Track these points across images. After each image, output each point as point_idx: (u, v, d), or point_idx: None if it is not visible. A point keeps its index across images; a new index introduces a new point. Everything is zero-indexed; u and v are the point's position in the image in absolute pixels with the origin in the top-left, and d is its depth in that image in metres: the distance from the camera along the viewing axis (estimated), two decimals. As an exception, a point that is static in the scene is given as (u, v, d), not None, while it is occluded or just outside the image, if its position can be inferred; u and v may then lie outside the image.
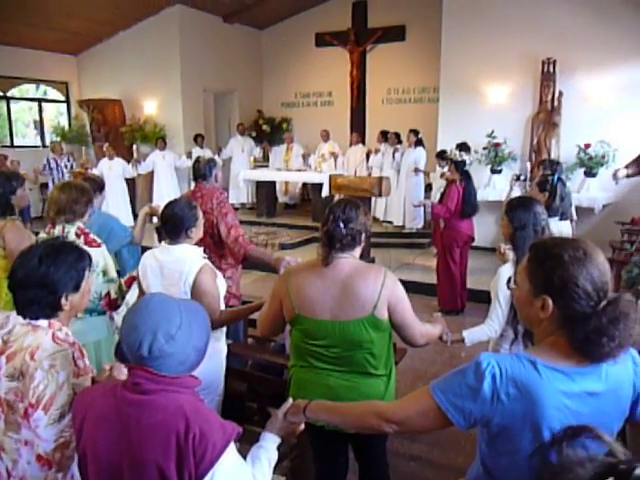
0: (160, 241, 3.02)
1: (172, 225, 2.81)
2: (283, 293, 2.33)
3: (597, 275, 1.41)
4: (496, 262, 3.16)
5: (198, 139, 11.01)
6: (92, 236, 3.01)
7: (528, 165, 6.94)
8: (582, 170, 7.91)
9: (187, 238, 2.85)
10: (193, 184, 4.08)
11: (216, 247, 3.80)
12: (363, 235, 2.32)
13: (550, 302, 1.44)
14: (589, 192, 7.78)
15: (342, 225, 2.24)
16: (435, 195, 8.04)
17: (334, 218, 2.25)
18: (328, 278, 2.25)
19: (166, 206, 2.89)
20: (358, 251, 2.34)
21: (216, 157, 10.38)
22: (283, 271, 3.16)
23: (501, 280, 2.76)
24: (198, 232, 2.92)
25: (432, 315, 2.76)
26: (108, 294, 2.95)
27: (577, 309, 1.41)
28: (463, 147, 7.06)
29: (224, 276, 3.64)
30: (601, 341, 1.37)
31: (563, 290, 1.41)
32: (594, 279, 1.40)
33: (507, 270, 2.76)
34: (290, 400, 1.84)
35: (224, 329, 2.99)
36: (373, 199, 8.94)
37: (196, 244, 2.93)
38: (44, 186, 10.59)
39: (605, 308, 1.39)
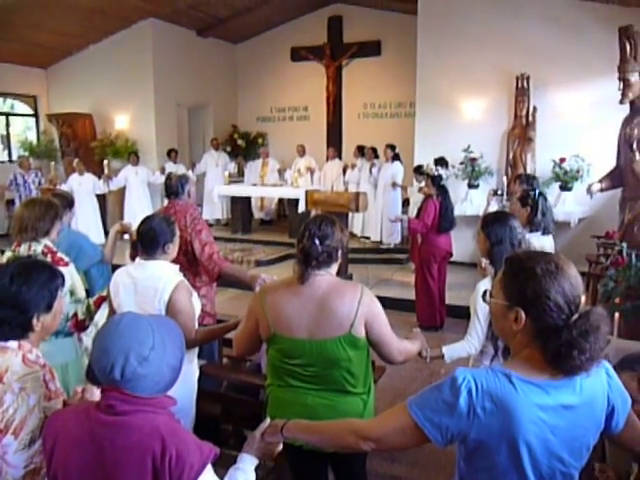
0: (133, 259, 3.01)
1: (149, 240, 2.81)
2: (259, 311, 2.34)
3: (569, 288, 1.45)
4: (475, 277, 3.20)
5: (171, 154, 10.99)
6: (59, 255, 2.98)
7: (505, 180, 7.07)
8: (557, 184, 8.09)
9: (163, 254, 2.85)
10: (166, 201, 4.07)
11: (190, 265, 3.79)
12: (339, 252, 2.34)
13: (523, 314, 1.47)
14: (565, 206, 7.96)
15: (318, 242, 2.26)
16: (412, 210, 8.13)
17: (310, 235, 2.27)
18: (304, 296, 2.27)
19: (143, 221, 2.89)
20: (335, 268, 2.36)
21: (189, 173, 10.39)
22: (259, 289, 3.13)
23: (480, 295, 2.79)
24: (174, 249, 2.92)
25: (411, 331, 2.79)
26: (75, 315, 2.92)
27: (549, 322, 1.44)
28: (440, 162, 7.18)
29: (198, 294, 3.62)
30: (572, 354, 1.41)
31: (535, 302, 1.45)
32: (565, 292, 1.44)
33: (486, 285, 2.78)
34: (268, 420, 1.84)
35: (196, 350, 2.97)
36: (350, 214, 8.98)
37: (171, 262, 2.93)
38: (10, 202, 10.42)
39: (576, 321, 1.42)
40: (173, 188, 3.91)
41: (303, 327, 2.25)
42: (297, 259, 2.30)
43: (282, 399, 2.35)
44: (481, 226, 2.95)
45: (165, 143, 11.20)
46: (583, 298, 1.48)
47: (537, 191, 4.21)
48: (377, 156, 9.73)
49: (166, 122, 11.34)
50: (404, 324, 6.00)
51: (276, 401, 2.38)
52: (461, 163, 8.49)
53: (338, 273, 2.42)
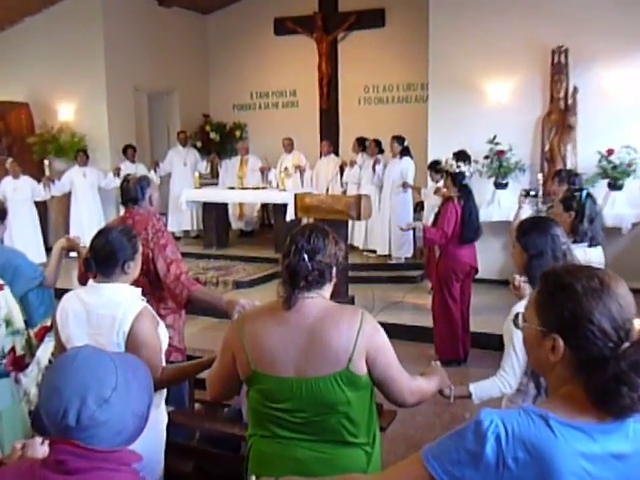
0: (82, 282, 3.01)
1: (105, 257, 2.83)
2: (236, 345, 2.34)
3: (617, 310, 1.45)
4: (508, 298, 3.22)
5: (128, 152, 11.03)
6: (-9, 277, 2.99)
7: (540, 177, 7.11)
8: (605, 182, 8.13)
9: (123, 275, 2.86)
10: (122, 209, 4.09)
11: (152, 288, 3.79)
12: (334, 269, 2.36)
13: (561, 342, 1.48)
14: (614, 209, 7.98)
15: (307, 258, 2.27)
16: (428, 216, 8.16)
17: (297, 249, 2.29)
18: (291, 325, 2.28)
19: (98, 233, 2.91)
20: (328, 289, 2.38)
21: (151, 174, 10.39)
22: (237, 316, 3.17)
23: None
24: (136, 268, 2.94)
25: (428, 366, 2.80)
26: (13, 350, 2.91)
27: (593, 351, 1.45)
28: (461, 156, 7.20)
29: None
30: (621, 391, 1.41)
31: (576, 328, 1.46)
32: (613, 315, 1.44)
33: (522, 308, 2.79)
34: (253, 478, 1.85)
35: (163, 393, 2.98)
36: (350, 223, 9.01)
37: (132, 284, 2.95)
38: None
39: (627, 351, 1.43)
40: (131, 193, 3.92)
41: (290, 363, 2.26)
42: (282, 279, 2.32)
43: (267, 453, 2.35)
44: (516, 236, 2.98)
45: (120, 138, 11.24)
46: (637, 323, 1.48)
47: (585, 192, 4.22)
48: (382, 150, 9.78)
49: (121, 112, 11.38)
50: (419, 358, 6.00)
51: (260, 455, 2.38)
52: (486, 157, 8.54)
53: (334, 296, 2.43)
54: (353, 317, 2.28)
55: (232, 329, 2.41)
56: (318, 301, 2.31)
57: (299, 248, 2.29)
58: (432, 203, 8.09)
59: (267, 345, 2.28)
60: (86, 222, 10.36)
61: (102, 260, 2.83)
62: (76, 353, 1.58)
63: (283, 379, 2.27)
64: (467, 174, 6.19)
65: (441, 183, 7.72)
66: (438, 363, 2.83)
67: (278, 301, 2.32)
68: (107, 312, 2.77)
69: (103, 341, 2.71)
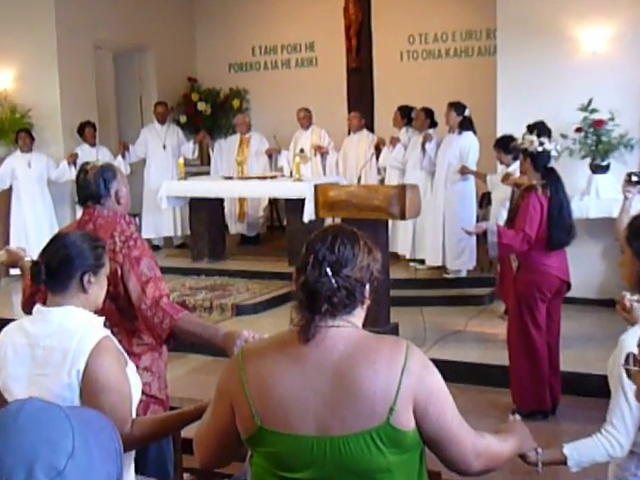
0: (27, 309, 3.03)
1: (57, 266, 2.86)
2: (235, 392, 2.34)
3: None
4: (614, 324, 3.18)
5: (87, 131, 11.11)
6: None
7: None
8: None
9: (80, 293, 2.89)
10: (79, 209, 4.10)
11: (122, 317, 3.80)
12: (367, 287, 2.35)
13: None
14: None
15: (330, 272, 2.27)
16: (498, 213, 8.14)
17: (316, 261, 2.28)
18: (310, 363, 2.28)
19: (52, 241, 2.95)
20: (360, 315, 2.38)
21: (118, 161, 10.49)
22: (237, 353, 3.17)
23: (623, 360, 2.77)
24: (100, 287, 2.98)
25: (505, 420, 2.79)
26: None
27: None
28: (541, 129, 7.15)
29: (137, 366, 3.61)
30: None
31: None
32: None
33: (636, 337, 2.77)
34: None
35: (132, 455, 2.99)
36: (391, 224, 8.98)
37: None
38: None
39: None
40: (90, 188, 3.92)
41: (309, 416, 2.25)
42: (297, 302, 2.31)
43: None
44: (626, 237, 2.96)
45: (76, 113, 11.30)
46: None
47: None
48: (434, 123, 9.77)
49: (78, 78, 11.46)
50: (489, 408, 5.96)
51: None
52: (578, 130, 8.47)
53: (370, 323, 2.43)
54: (395, 352, 2.28)
55: (229, 370, 2.41)
56: (347, 331, 2.31)
57: (319, 259, 2.28)
58: (503, 195, 8.03)
59: (278, 392, 2.28)
60: (32, 227, 10.44)
61: (54, 270, 2.86)
62: (19, 408, 1.57)
63: (300, 438, 2.26)
64: (553, 153, 6.15)
65: (513, 167, 7.69)
66: (517, 417, 2.81)
67: (292, 332, 2.32)
68: (56, 344, 2.78)
69: (49, 384, 2.73)
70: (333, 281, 2.27)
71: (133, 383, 2.92)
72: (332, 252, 2.30)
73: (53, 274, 2.87)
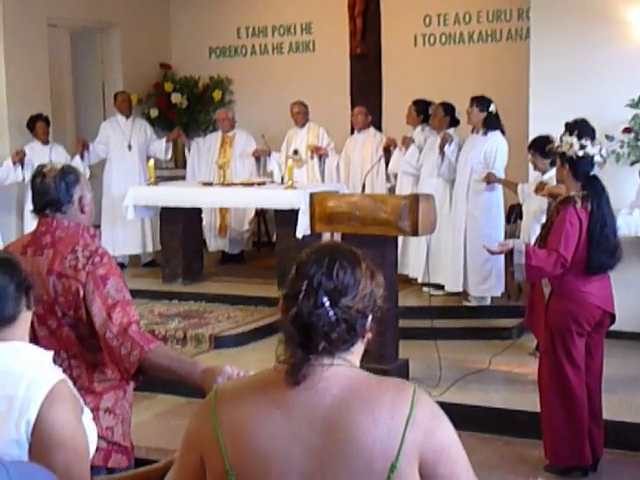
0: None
1: None
2: (206, 441, 2.33)
3: None
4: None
5: (38, 126, 11.09)
6: None
7: None
8: None
9: (15, 324, 2.88)
10: (33, 218, 4.11)
11: (83, 346, 3.81)
12: (369, 319, 2.34)
13: None
14: None
15: (327, 303, 2.26)
16: (530, 229, 8.14)
17: (311, 288, 2.26)
18: (297, 410, 2.26)
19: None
20: (358, 351, 2.37)
21: (76, 162, 10.46)
22: (209, 395, 3.19)
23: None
24: (27, 319, 2.97)
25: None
26: None
27: None
28: (582, 130, 7.14)
29: (96, 408, 3.60)
30: None
31: None
32: None
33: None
34: None
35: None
36: (401, 241, 8.98)
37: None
38: None
39: None
40: (50, 194, 3.93)
41: (294, 474, 2.24)
42: (285, 337, 2.29)
43: None
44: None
45: (26, 104, 11.29)
46: None
47: None
48: (455, 121, 9.80)
49: (28, 62, 11.45)
50: (516, 464, 5.94)
51: None
52: (626, 130, 8.49)
53: (374, 359, 2.42)
54: (398, 398, 2.25)
55: (200, 415, 2.41)
56: (342, 371, 2.29)
57: (314, 287, 2.26)
58: (535, 208, 8.06)
59: (257, 444, 2.27)
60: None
61: None
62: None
63: (282, 500, 2.27)
64: (597, 159, 6.15)
65: (550, 174, 7.68)
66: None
67: (276, 370, 2.31)
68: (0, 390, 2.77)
69: None
70: (331, 313, 2.24)
71: (90, 435, 2.91)
72: (330, 278, 2.26)
73: None
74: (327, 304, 2.24)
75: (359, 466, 2.20)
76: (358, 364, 2.35)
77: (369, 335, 2.35)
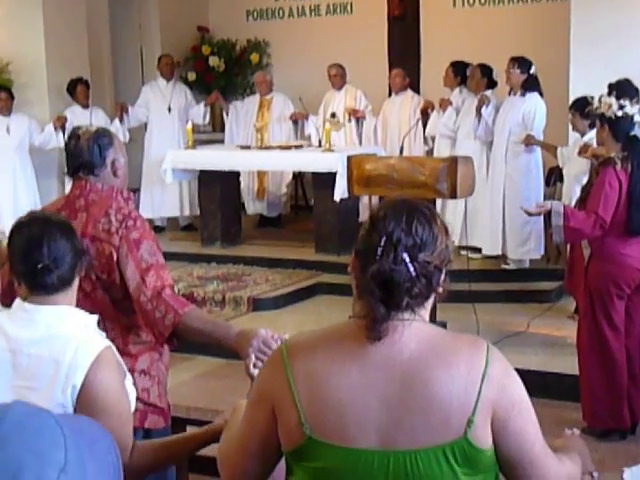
0: (5, 300, 3.04)
1: (32, 262, 2.85)
2: (279, 394, 2.33)
3: None
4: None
5: (78, 90, 11.13)
6: None
7: None
8: None
9: (67, 289, 2.91)
10: (68, 182, 4.12)
11: (117, 309, 3.83)
12: (443, 273, 2.35)
13: None
14: None
15: (407, 258, 2.26)
16: (572, 191, 8.09)
17: (390, 243, 2.26)
18: (375, 364, 2.27)
19: (15, 227, 2.96)
20: (428, 307, 2.38)
21: (114, 126, 10.50)
22: (253, 358, 3.19)
23: None
24: (76, 282, 2.99)
25: (561, 435, 2.79)
26: None
27: None
28: (625, 90, 7.08)
29: (133, 369, 3.62)
30: None
31: None
32: None
33: None
34: None
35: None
36: (439, 203, 8.95)
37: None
38: None
39: None
40: (83, 156, 3.93)
41: (371, 427, 2.25)
42: (363, 292, 2.30)
43: None
44: None
45: (65, 68, 11.33)
46: None
47: None
48: (493, 83, 9.74)
49: (67, 26, 11.48)
50: (555, 425, 5.88)
51: None
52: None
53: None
54: (474, 354, 2.28)
55: (271, 368, 2.42)
56: (417, 326, 2.30)
57: (393, 242, 2.26)
58: (576, 171, 8.00)
59: (334, 396, 2.27)
60: (10, 202, 10.45)
61: (30, 267, 2.86)
62: (2, 414, 1.58)
63: (359, 452, 2.26)
64: (638, 118, 6.07)
65: (589, 136, 7.62)
66: (576, 431, 2.83)
67: (352, 324, 2.32)
68: (45, 353, 2.79)
69: (37, 399, 2.67)
70: (412, 269, 2.25)
71: (131, 397, 2.96)
72: (409, 234, 2.27)
73: (29, 276, 2.88)
74: (407, 260, 2.25)
75: (437, 420, 2.23)
76: (428, 319, 2.37)
77: (440, 289, 2.37)
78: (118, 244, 3.76)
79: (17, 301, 2.92)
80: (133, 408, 3.00)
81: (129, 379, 2.97)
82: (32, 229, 2.90)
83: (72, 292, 2.95)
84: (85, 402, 2.75)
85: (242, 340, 3.48)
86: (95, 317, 2.98)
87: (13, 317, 2.90)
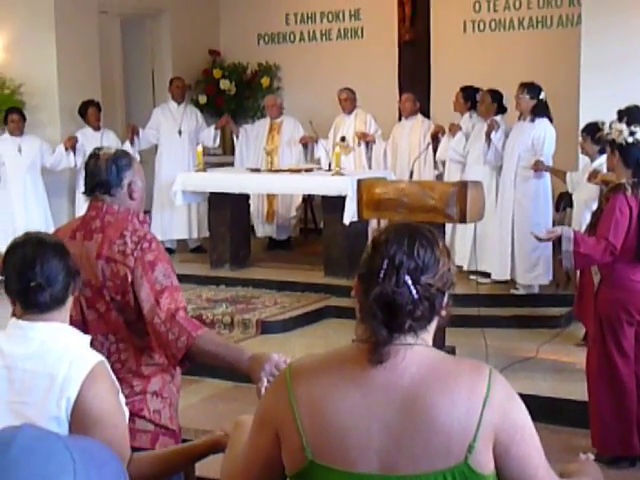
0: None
1: (25, 281, 2.88)
2: (282, 418, 2.33)
3: None
4: None
5: (89, 112, 11.15)
6: None
7: None
8: None
9: (61, 308, 2.94)
10: (84, 202, 4.13)
11: (130, 331, 3.83)
12: (446, 296, 2.35)
13: None
14: None
15: (409, 280, 2.26)
16: (581, 217, 8.07)
17: (392, 266, 2.26)
18: (375, 388, 2.26)
19: (10, 247, 2.98)
20: (432, 331, 2.38)
21: (126, 147, 10.47)
22: (265, 382, 3.18)
23: None
24: (70, 304, 3.02)
25: (575, 459, 2.76)
26: None
27: None
28: (635, 116, 7.07)
29: (145, 391, 3.62)
30: None
31: None
32: None
33: None
34: None
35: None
36: (449, 228, 8.93)
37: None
38: None
39: None
40: (101, 175, 3.94)
41: (372, 451, 2.24)
42: (366, 315, 2.30)
43: None
44: None
45: (77, 90, 11.36)
46: None
47: None
48: (503, 109, 9.74)
49: (79, 48, 11.52)
50: (564, 451, 5.90)
51: None
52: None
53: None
54: (475, 378, 2.27)
55: (274, 391, 2.42)
56: (419, 350, 2.30)
57: (396, 265, 2.27)
58: (586, 196, 7.99)
59: (336, 421, 2.27)
60: (22, 222, 10.43)
61: (24, 286, 2.89)
62: (11, 438, 1.58)
63: (360, 476, 2.26)
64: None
65: (599, 162, 7.60)
66: (590, 455, 2.79)
67: (355, 348, 2.32)
68: (40, 368, 2.81)
69: (32, 414, 2.74)
70: (414, 292, 2.26)
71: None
72: (411, 257, 2.28)
73: (24, 295, 2.91)
74: (409, 282, 2.25)
75: (437, 446, 2.22)
76: (431, 343, 2.37)
77: (443, 313, 2.38)
78: (133, 266, 3.78)
79: (12, 320, 2.95)
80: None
81: (121, 398, 2.97)
82: (26, 249, 2.93)
83: (65, 311, 2.98)
84: (80, 415, 2.76)
85: (254, 364, 3.48)
86: (88, 337, 3.00)
87: (8, 335, 2.92)
